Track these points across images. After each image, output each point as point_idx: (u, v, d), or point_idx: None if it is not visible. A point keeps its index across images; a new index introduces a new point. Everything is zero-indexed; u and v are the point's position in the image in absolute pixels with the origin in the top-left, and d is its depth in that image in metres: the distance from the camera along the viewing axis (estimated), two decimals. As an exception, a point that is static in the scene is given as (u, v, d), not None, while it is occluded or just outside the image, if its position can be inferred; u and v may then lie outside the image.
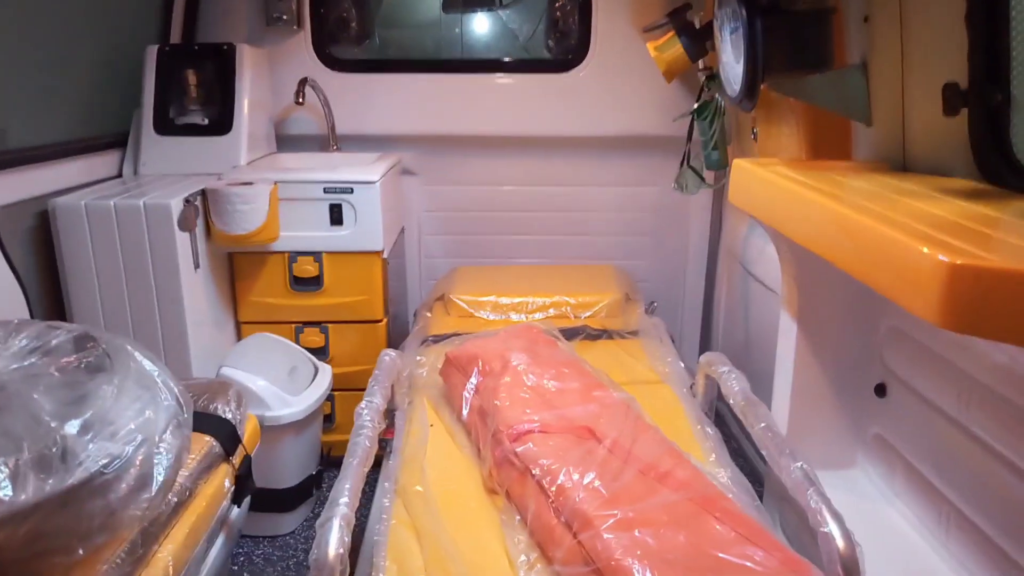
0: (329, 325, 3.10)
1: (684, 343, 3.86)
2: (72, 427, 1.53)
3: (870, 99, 2.05)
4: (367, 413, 2.00)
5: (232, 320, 3.08)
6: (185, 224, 2.62)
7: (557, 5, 3.69)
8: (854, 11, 2.04)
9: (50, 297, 2.65)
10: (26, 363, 1.72)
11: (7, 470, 1.41)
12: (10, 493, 1.40)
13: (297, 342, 3.04)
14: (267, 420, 2.54)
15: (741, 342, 3.25)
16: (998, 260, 1.11)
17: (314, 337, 3.10)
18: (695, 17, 2.70)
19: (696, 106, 2.87)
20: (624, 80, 3.52)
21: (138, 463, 1.62)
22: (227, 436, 2.11)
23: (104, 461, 1.54)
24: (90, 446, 1.54)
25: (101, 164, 3.05)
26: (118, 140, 3.17)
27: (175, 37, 3.42)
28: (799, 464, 1.73)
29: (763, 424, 1.93)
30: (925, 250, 1.16)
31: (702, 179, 3.00)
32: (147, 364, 1.82)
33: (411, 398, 2.46)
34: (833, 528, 1.53)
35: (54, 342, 1.80)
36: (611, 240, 3.84)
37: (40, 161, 2.65)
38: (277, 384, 2.68)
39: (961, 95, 1.83)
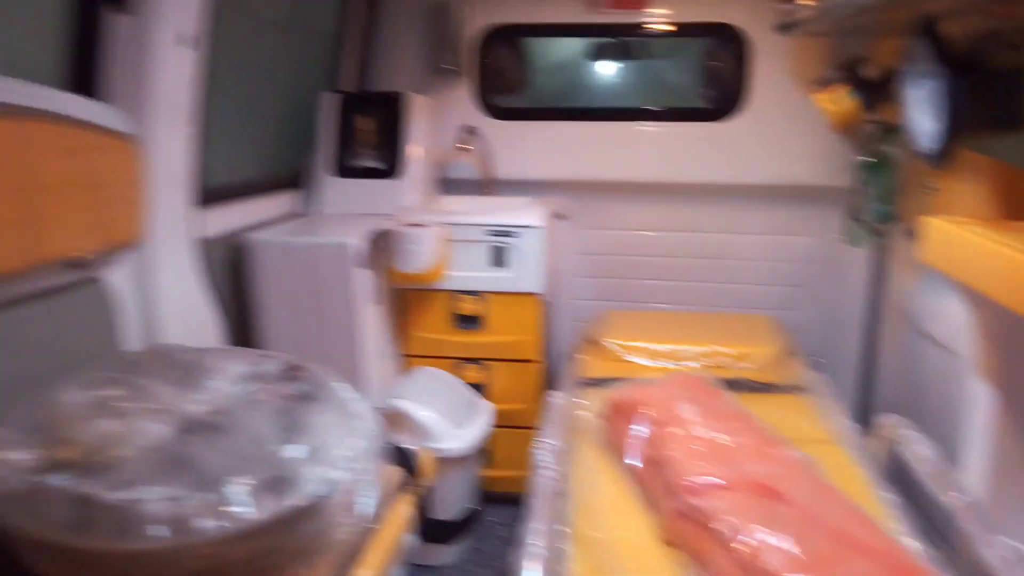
0: (489, 363, 3.18)
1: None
2: (296, 452, 1.64)
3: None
4: (546, 454, 2.04)
5: (395, 355, 3.22)
6: (366, 262, 2.78)
7: (712, 55, 3.71)
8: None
9: (239, 323, 2.84)
10: (245, 389, 1.86)
11: (246, 485, 1.52)
12: (250, 510, 1.51)
13: (458, 375, 3.14)
14: (435, 452, 2.62)
15: (909, 404, 3.10)
16: None
17: (473, 373, 3.19)
18: (867, 70, 2.65)
19: (870, 160, 2.81)
20: (780, 129, 3.49)
21: (347, 489, 1.72)
22: (410, 467, 2.19)
23: (323, 486, 1.64)
24: (311, 471, 1.64)
25: (282, 202, 3.28)
26: (295, 180, 3.39)
27: (344, 85, 3.65)
28: (1013, 544, 1.63)
29: (963, 496, 1.84)
30: None
31: (872, 232, 2.91)
32: (349, 395, 1.93)
33: (574, 441, 2.48)
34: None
35: (267, 370, 1.94)
36: (761, 290, 3.77)
37: (236, 198, 2.88)
38: (444, 418, 2.77)
39: None
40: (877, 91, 2.56)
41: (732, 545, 1.75)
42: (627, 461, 2.28)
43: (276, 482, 1.58)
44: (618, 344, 3.16)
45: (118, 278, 2.14)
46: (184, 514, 1.47)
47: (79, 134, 1.73)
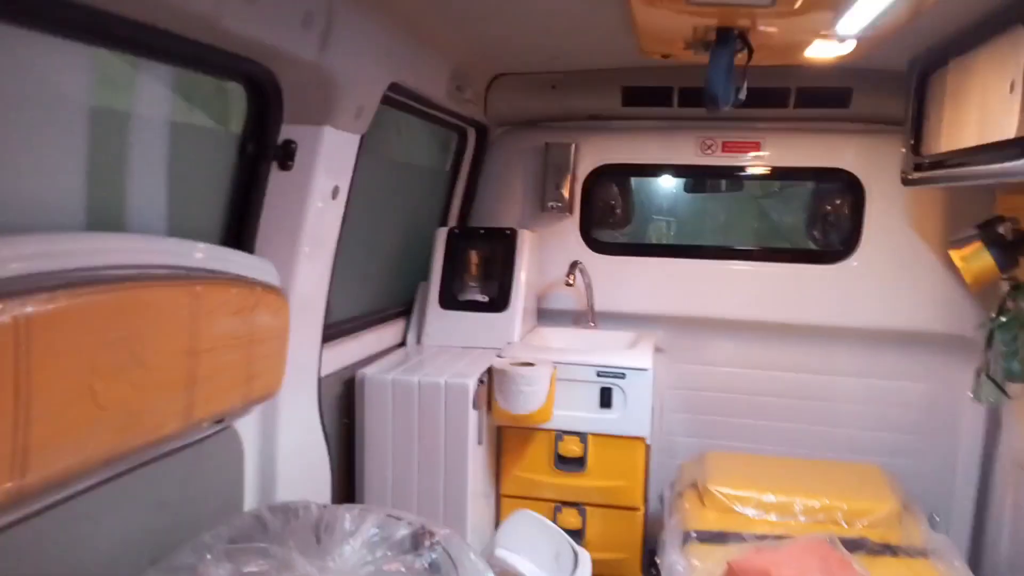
0: (587, 507, 3.08)
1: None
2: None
3: None
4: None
5: (495, 493, 3.15)
6: (478, 403, 2.76)
7: (823, 198, 3.70)
8: None
9: (344, 458, 2.83)
10: (376, 556, 1.82)
11: None
12: None
13: (554, 521, 3.04)
14: (539, 609, 2.51)
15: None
16: None
17: (572, 518, 3.09)
18: (1005, 229, 2.60)
19: (1001, 317, 2.72)
20: (893, 275, 3.42)
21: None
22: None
23: None
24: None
25: (390, 334, 3.31)
26: (402, 310, 3.44)
27: (452, 220, 3.75)
28: None
29: None
30: None
31: (1002, 391, 2.78)
32: (481, 565, 1.87)
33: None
34: None
35: (397, 535, 1.90)
36: (869, 435, 3.61)
37: (349, 333, 2.92)
38: (541, 568, 2.66)
39: None
40: (1012, 250, 2.50)
41: None
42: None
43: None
44: (723, 493, 3.03)
45: (246, 422, 2.16)
46: None
47: (242, 293, 1.78)
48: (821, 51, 2.51)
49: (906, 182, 2.97)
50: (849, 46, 2.43)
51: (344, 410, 2.86)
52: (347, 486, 2.81)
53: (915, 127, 2.84)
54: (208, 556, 1.63)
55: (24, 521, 1.37)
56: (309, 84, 1.96)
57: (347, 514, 1.92)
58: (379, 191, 3.12)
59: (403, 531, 1.90)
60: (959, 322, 3.34)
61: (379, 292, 3.31)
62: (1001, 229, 2.56)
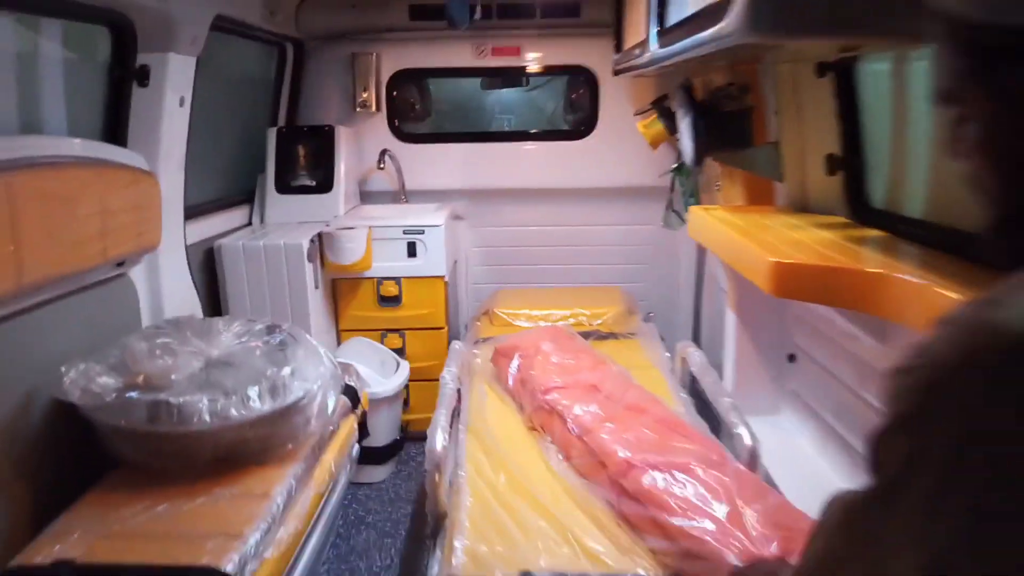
0: (406, 332, 4.16)
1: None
2: (285, 372, 2.58)
3: (782, 165, 3.08)
4: (449, 374, 3.05)
5: (335, 329, 4.16)
6: (311, 257, 3.71)
7: (572, 89, 4.80)
8: (769, 107, 3.09)
9: (213, 309, 3.72)
10: (243, 341, 2.78)
11: (257, 392, 2.45)
12: (259, 406, 2.44)
13: (383, 343, 4.10)
14: (369, 394, 3.57)
15: (717, 339, 4.24)
16: (800, 259, 2.13)
17: (395, 341, 4.16)
18: (672, 104, 3.76)
19: (675, 166, 3.92)
20: (622, 145, 4.59)
21: (319, 398, 2.67)
22: (353, 397, 3.14)
23: (302, 393, 2.58)
24: (294, 383, 2.58)
25: (237, 215, 4.16)
26: (246, 198, 4.28)
27: (281, 120, 4.55)
28: (727, 399, 2.74)
29: (710, 379, 2.94)
30: (768, 256, 2.18)
31: (682, 219, 4.03)
32: (319, 347, 2.87)
33: (471, 378, 3.47)
34: (742, 430, 2.53)
35: (256, 328, 2.87)
36: (617, 267, 4.88)
37: (205, 214, 3.75)
38: (374, 371, 3.72)
39: (837, 162, 2.86)
40: (676, 119, 3.65)
41: (565, 417, 2.79)
42: (510, 384, 3.29)
43: (273, 389, 2.52)
44: (506, 313, 4.18)
45: (137, 273, 3.01)
46: (219, 409, 2.39)
47: (129, 174, 2.62)
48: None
49: (614, 73, 4.07)
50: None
51: (208, 273, 3.72)
52: (217, 327, 3.71)
53: (616, 29, 3.92)
54: (127, 341, 2.54)
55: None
56: (155, 23, 2.75)
57: (219, 320, 2.86)
58: (219, 100, 3.89)
59: (260, 326, 2.86)
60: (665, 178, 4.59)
61: (226, 181, 4.13)
62: (666, 103, 3.71)
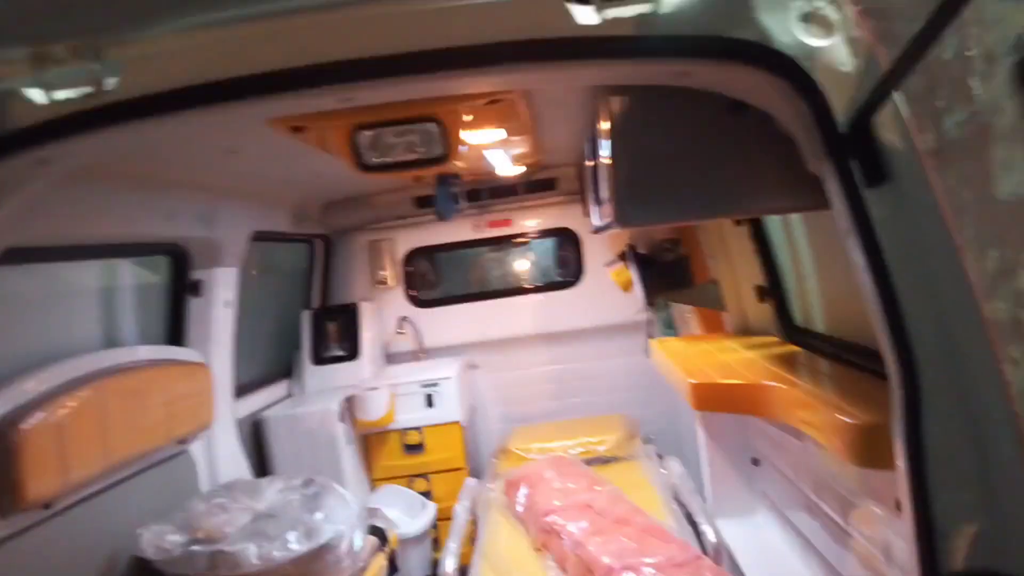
0: (431, 475, 4.66)
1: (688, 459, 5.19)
2: (318, 516, 3.11)
3: (723, 297, 3.64)
4: (461, 507, 3.53)
5: (367, 479, 4.68)
6: (342, 417, 4.30)
7: (561, 248, 5.53)
8: (706, 252, 3.69)
9: (261, 470, 4.28)
10: (284, 494, 3.33)
11: (295, 536, 2.98)
12: (297, 547, 2.96)
13: (410, 488, 4.59)
14: (399, 535, 4.04)
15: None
16: (716, 378, 2.65)
17: (421, 484, 4.65)
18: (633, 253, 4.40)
19: (652, 305, 4.51)
20: (605, 291, 5.18)
21: (347, 537, 3.17)
22: (381, 537, 3.63)
23: (332, 533, 3.09)
24: (325, 526, 3.10)
25: (281, 388, 4.81)
26: (287, 372, 4.95)
27: (314, 303, 5.29)
28: (699, 503, 3.17)
29: (687, 488, 3.38)
30: (688, 379, 2.70)
31: (663, 349, 4.55)
32: (344, 492, 3.41)
33: (487, 510, 3.93)
34: (706, 528, 2.95)
35: (294, 484, 3.42)
36: (619, 396, 5.35)
37: (253, 391, 4.41)
38: (402, 514, 4.21)
39: (764, 291, 3.41)
40: (646, 265, 4.28)
41: (562, 535, 3.23)
42: (517, 510, 3.74)
43: (308, 533, 3.04)
44: (520, 448, 4.67)
45: (196, 448, 3.63)
46: (265, 553, 2.92)
47: (186, 368, 3.31)
48: (507, 173, 4.26)
49: (594, 231, 4.76)
50: (521, 169, 4.20)
51: (256, 440, 4.32)
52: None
53: (582, 199, 4.63)
54: (189, 503, 3.11)
55: (80, 503, 2.81)
56: (203, 247, 3.53)
57: (265, 480, 3.43)
58: (261, 292, 4.66)
59: (297, 481, 3.42)
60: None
61: (269, 360, 4.82)
62: (626, 255, 4.34)
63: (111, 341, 3.21)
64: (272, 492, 3.35)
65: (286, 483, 3.43)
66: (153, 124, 1.64)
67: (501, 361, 5.46)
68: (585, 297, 5.31)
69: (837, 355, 2.68)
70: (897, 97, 1.72)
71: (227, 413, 3.89)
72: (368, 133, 2.19)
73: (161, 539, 2.96)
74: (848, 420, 1.80)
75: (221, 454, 3.80)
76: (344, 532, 3.16)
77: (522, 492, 3.80)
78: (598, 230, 3.61)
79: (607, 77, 2.13)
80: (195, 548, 2.95)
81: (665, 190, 2.22)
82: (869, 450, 1.72)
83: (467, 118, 2.32)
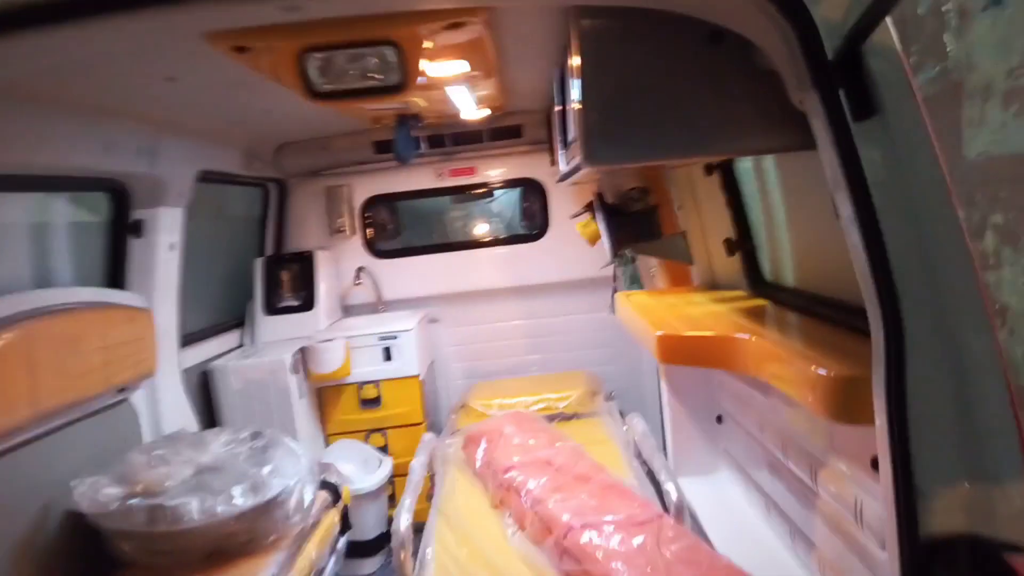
0: (388, 430, 4.53)
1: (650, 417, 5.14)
2: (265, 470, 2.96)
3: (690, 250, 3.52)
4: (417, 463, 3.41)
5: (322, 433, 4.53)
6: (294, 369, 4.14)
7: (526, 199, 5.35)
8: (674, 203, 3.56)
9: (210, 424, 4.11)
10: (229, 448, 3.18)
11: (240, 491, 2.83)
12: (242, 502, 2.81)
13: (367, 443, 4.46)
14: (353, 490, 3.91)
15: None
16: (683, 331, 2.54)
17: (378, 439, 4.52)
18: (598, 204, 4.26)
19: (616, 258, 4.39)
20: (573, 243, 5.04)
21: (296, 493, 3.03)
22: (334, 492, 3.50)
23: (280, 488, 2.95)
24: (273, 480, 2.96)
25: (232, 338, 4.62)
26: (239, 322, 4.75)
27: (268, 250, 5.07)
28: (662, 461, 3.09)
29: (649, 445, 3.30)
30: (655, 331, 2.59)
31: (628, 304, 4.45)
32: (294, 444, 3.26)
33: (445, 466, 3.82)
34: (670, 486, 2.87)
35: (241, 436, 3.26)
36: (582, 353, 5.27)
37: (202, 340, 4.21)
38: (357, 469, 4.08)
39: (733, 245, 3.29)
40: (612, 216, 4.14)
41: (520, 491, 3.13)
42: (477, 468, 3.64)
43: (255, 487, 2.89)
44: (480, 404, 4.55)
45: (138, 396, 3.44)
46: (207, 507, 2.77)
47: (126, 312, 3.10)
48: (470, 115, 4.07)
49: (558, 182, 4.60)
50: (485, 112, 4.00)
51: (205, 392, 4.14)
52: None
53: (550, 147, 4.46)
54: (128, 456, 2.94)
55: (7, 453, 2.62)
56: (146, 185, 3.29)
57: (210, 432, 3.27)
58: (210, 238, 4.43)
59: (245, 434, 3.26)
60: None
61: (220, 309, 4.61)
62: (597, 204, 4.20)
63: (43, 281, 2.99)
64: (217, 445, 3.19)
65: (232, 435, 3.27)
66: (74, 31, 1.46)
67: (462, 315, 5.32)
68: (550, 251, 5.17)
69: (808, 309, 2.59)
70: (889, 23, 1.59)
71: (172, 362, 3.70)
72: (318, 56, 1.99)
73: (97, 492, 2.79)
74: (823, 372, 1.70)
75: (165, 405, 3.61)
76: (293, 487, 3.02)
77: (481, 448, 3.70)
78: (564, 177, 3.45)
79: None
80: (133, 502, 2.78)
81: (637, 127, 2.08)
82: (846, 404, 1.63)
83: (427, 45, 2.13)
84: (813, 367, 1.75)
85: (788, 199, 2.77)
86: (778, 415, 2.65)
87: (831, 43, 1.64)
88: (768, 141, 2.12)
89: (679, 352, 2.51)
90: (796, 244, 2.80)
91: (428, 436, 3.85)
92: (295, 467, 3.12)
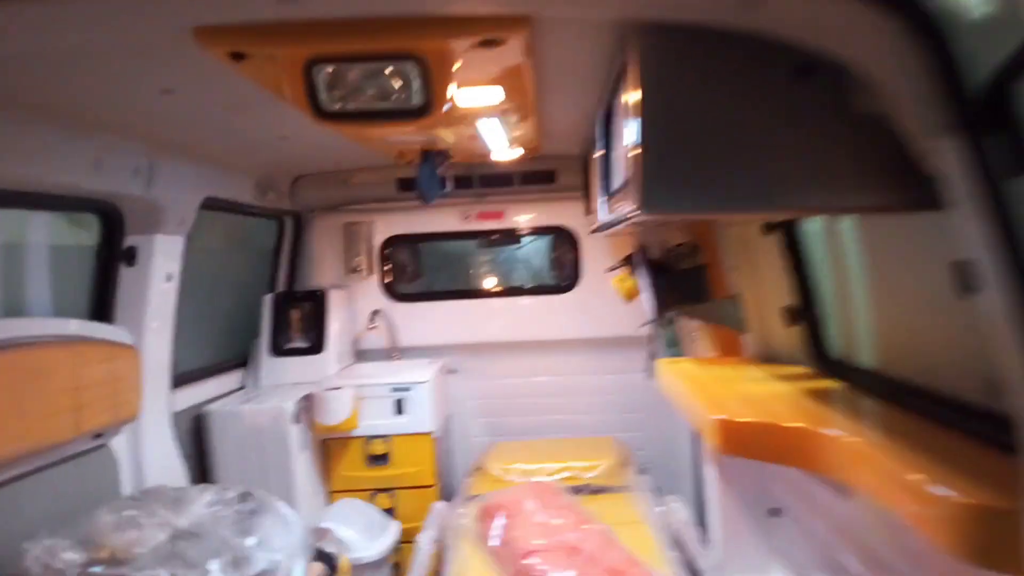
0: (396, 490, 4.13)
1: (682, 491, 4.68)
2: (250, 542, 2.58)
3: (744, 316, 3.13)
4: (425, 537, 3.01)
5: (323, 490, 4.15)
6: (298, 419, 3.78)
7: (556, 248, 5.01)
8: (726, 264, 3.18)
9: (199, 469, 3.74)
10: (214, 509, 2.81)
11: (218, 565, 2.45)
12: (219, 580, 2.43)
13: (372, 503, 4.06)
14: (353, 559, 3.51)
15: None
16: (745, 414, 2.14)
17: (385, 501, 4.12)
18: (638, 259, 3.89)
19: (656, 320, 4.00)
20: (606, 297, 4.67)
21: (283, 571, 2.64)
22: (330, 565, 3.10)
23: (266, 566, 2.57)
24: (258, 555, 2.58)
25: (232, 379, 4.28)
26: (242, 362, 4.41)
27: (280, 286, 4.76)
28: (703, 551, 2.66)
29: (691, 537, 2.88)
30: (712, 414, 2.20)
31: (665, 368, 4.06)
32: (286, 511, 2.88)
33: (456, 539, 3.41)
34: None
35: (228, 496, 2.89)
36: (611, 417, 4.85)
37: (197, 380, 3.87)
38: (359, 534, 3.68)
39: (794, 313, 2.90)
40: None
41: (541, 583, 2.72)
42: (490, 544, 3.22)
43: (236, 562, 2.51)
44: (499, 468, 4.15)
45: (118, 442, 3.09)
46: (179, 584, 2.39)
47: (106, 349, 2.77)
48: (502, 155, 3.75)
49: (593, 231, 4.26)
50: (518, 152, 3.68)
51: (198, 439, 3.79)
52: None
53: (585, 194, 4.12)
54: (97, 514, 2.58)
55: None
56: (141, 209, 2.99)
57: (194, 489, 2.90)
58: (216, 268, 4.13)
59: (232, 494, 2.89)
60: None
61: (220, 347, 4.28)
62: (634, 260, 3.84)
63: (13, 309, 2.67)
64: (200, 505, 2.81)
65: (219, 495, 2.90)
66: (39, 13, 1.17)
67: (483, 367, 4.95)
68: (580, 305, 4.80)
69: (895, 398, 2.18)
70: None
71: (161, 405, 3.36)
72: (327, 69, 1.67)
73: (53, 557, 2.42)
74: (955, 497, 1.30)
75: (150, 452, 3.26)
76: (280, 562, 2.64)
77: (498, 523, 3.28)
78: (604, 227, 3.10)
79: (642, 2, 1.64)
80: (95, 570, 2.41)
81: (704, 172, 1.74)
82: (988, 545, 1.22)
83: (456, 65, 1.81)
84: (935, 487, 1.35)
85: (871, 265, 2.38)
86: (856, 519, 2.23)
87: (976, 75, 1.29)
88: (864, 197, 1.76)
89: (742, 442, 2.11)
90: (879, 318, 2.40)
91: (439, 506, 3.45)
92: (285, 538, 2.73)
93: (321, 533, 3.23)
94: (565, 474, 4.09)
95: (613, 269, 3.93)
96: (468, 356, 4.92)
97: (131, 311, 3.10)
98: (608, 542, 3.02)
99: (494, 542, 3.22)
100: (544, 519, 3.22)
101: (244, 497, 2.91)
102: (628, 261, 3.86)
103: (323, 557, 3.09)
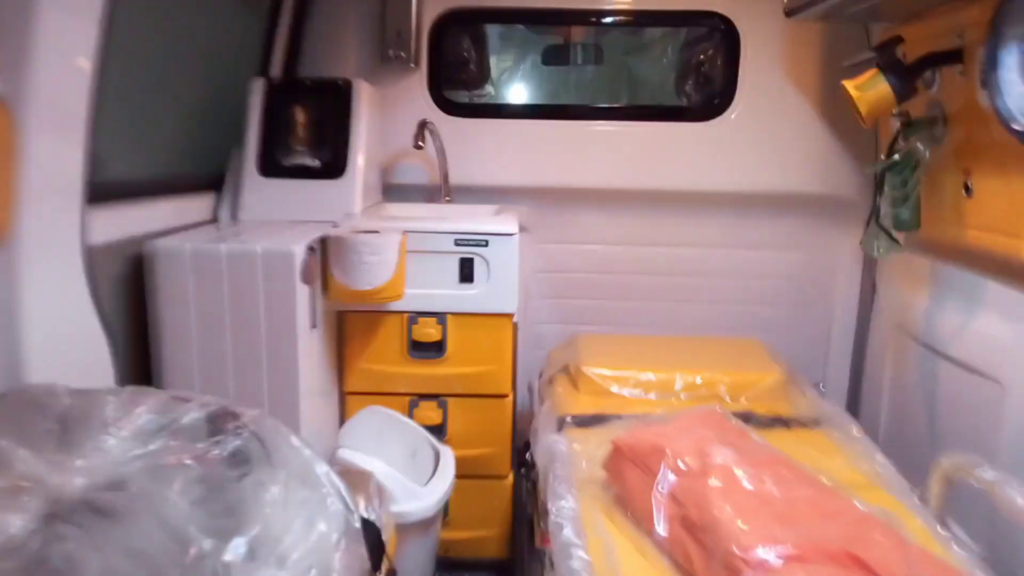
0: (448, 399, 2.66)
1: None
2: (234, 552, 1.09)
3: None
4: (571, 527, 1.55)
5: (336, 390, 2.65)
6: (308, 276, 2.21)
7: (697, 50, 3.35)
8: None
9: (136, 352, 2.23)
10: (151, 448, 1.29)
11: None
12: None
13: (411, 417, 2.60)
14: (395, 520, 2.07)
15: (923, 433, 2.76)
16: None
17: (430, 412, 2.65)
18: (903, 53, 2.33)
19: (892, 157, 2.47)
20: (772, 132, 3.16)
21: (308, 597, 1.17)
22: (374, 544, 1.64)
23: (273, 600, 1.09)
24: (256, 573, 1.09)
25: (195, 206, 2.69)
26: (213, 181, 2.81)
27: (274, 71, 3.10)
28: None
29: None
30: None
31: (895, 241, 2.57)
32: (307, 453, 1.38)
33: (573, 498, 1.97)
34: None
35: (185, 420, 1.37)
36: (740, 310, 3.42)
37: (135, 197, 2.29)
38: (400, 471, 2.22)
39: None
40: (912, 76, 2.23)
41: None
42: (652, 525, 1.80)
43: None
44: (598, 374, 2.70)
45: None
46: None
47: None
48: None
49: (789, 12, 2.65)
50: None
51: (134, 296, 2.23)
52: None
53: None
54: None
55: None
56: None
57: (109, 398, 1.36)
58: (180, 28, 2.46)
59: (193, 415, 1.37)
60: (835, 182, 3.16)
61: (177, 154, 2.65)
62: (899, 51, 2.28)
63: None
64: (123, 438, 1.29)
65: (164, 415, 1.37)
66: None
67: (561, 226, 3.41)
68: (730, 141, 3.20)
69: None
70: None
71: (63, 226, 1.79)
72: None
73: None
74: None
75: (38, 313, 1.70)
76: (303, 589, 1.16)
77: (661, 483, 1.85)
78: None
79: None
80: None
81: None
82: None
83: None
84: None
85: None
86: None
87: None
88: None
89: None
90: None
91: (560, 442, 1.97)
92: (313, 524, 1.25)
93: (357, 480, 1.76)
94: (702, 392, 2.67)
95: (858, 66, 2.37)
96: (540, 207, 3.36)
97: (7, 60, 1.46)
98: (909, 550, 1.60)
99: (662, 522, 1.80)
100: (758, 486, 1.79)
101: (221, 423, 1.39)
102: (885, 52, 2.30)
103: (365, 534, 1.63)
